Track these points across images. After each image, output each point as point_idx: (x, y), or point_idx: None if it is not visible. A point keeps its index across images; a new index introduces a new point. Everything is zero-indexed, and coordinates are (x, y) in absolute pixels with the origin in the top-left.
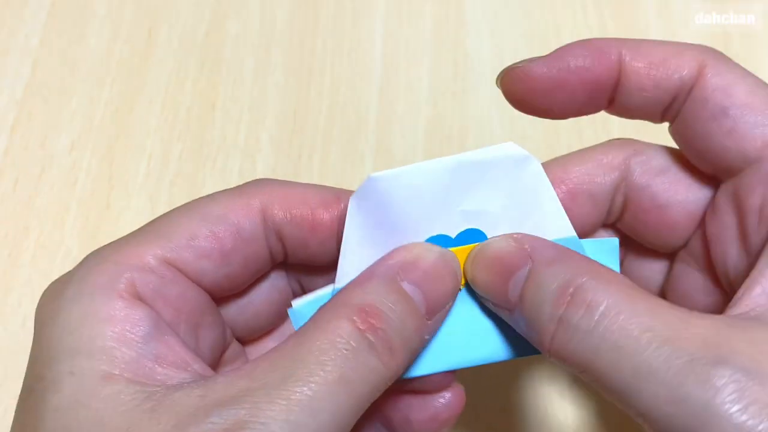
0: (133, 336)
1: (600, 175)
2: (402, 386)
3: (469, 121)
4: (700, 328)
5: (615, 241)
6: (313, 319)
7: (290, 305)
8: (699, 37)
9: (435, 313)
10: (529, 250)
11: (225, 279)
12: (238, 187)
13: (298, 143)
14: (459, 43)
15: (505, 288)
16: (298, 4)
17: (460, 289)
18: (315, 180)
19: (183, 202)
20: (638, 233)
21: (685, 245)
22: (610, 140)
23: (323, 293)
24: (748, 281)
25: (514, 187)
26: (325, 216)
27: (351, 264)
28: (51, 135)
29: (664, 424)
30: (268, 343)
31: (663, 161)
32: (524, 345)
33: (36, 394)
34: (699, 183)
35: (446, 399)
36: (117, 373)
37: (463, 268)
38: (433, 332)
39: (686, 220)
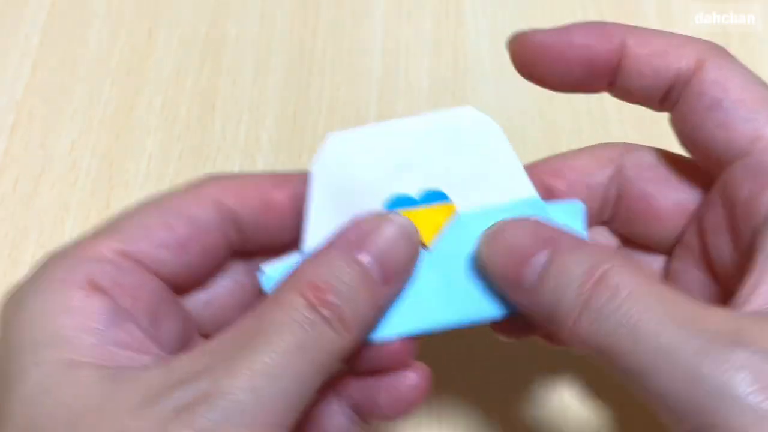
0: (93, 324)
1: (596, 168)
2: (363, 363)
3: None
4: (718, 316)
5: (580, 204)
6: (271, 295)
7: (259, 269)
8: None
9: (393, 283)
10: (548, 236)
11: (183, 269)
12: (189, 182)
13: (298, 143)
14: (459, 43)
15: (520, 272)
16: (298, 4)
17: (419, 255)
18: None
19: None
20: (631, 226)
21: (680, 241)
22: (606, 142)
23: (292, 258)
24: (752, 278)
25: (474, 149)
26: (278, 196)
27: (316, 228)
28: (51, 135)
29: (679, 405)
30: None
31: (654, 158)
32: (491, 308)
33: (1, 388)
34: (690, 179)
35: (412, 380)
36: (80, 359)
37: (427, 232)
38: (392, 301)
39: (675, 210)
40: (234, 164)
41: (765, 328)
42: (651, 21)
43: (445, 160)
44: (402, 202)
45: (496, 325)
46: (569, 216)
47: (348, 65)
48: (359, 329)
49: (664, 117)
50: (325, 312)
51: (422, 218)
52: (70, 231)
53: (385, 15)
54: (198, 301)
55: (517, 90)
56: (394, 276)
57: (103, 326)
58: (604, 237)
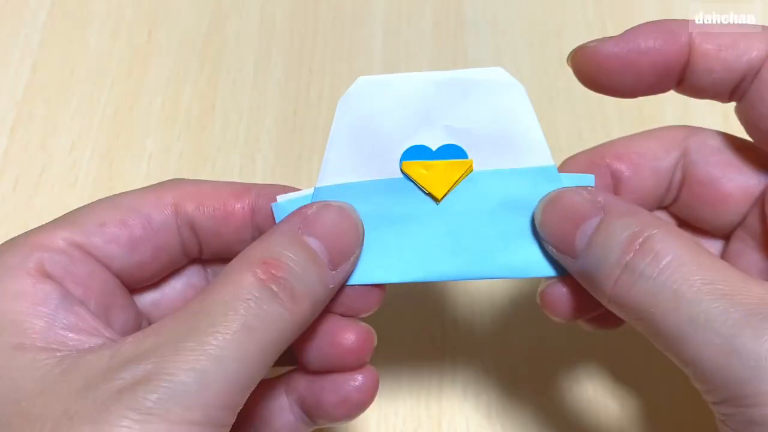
0: (42, 308)
1: (662, 152)
2: (315, 361)
3: None
4: (759, 288)
5: (591, 177)
6: (219, 276)
7: (275, 200)
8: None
9: (339, 264)
10: (603, 202)
11: (135, 267)
12: (153, 184)
13: (298, 143)
14: (459, 43)
15: (573, 235)
16: (297, 4)
17: (361, 243)
18: (315, 180)
19: None
20: (694, 210)
21: (741, 224)
22: (667, 126)
23: (306, 193)
24: None
25: (499, 110)
26: (237, 206)
27: (334, 163)
28: (51, 135)
29: (713, 374)
30: None
31: (719, 142)
32: (493, 267)
33: None
34: (755, 163)
35: (358, 382)
36: (28, 343)
37: (440, 185)
38: (340, 282)
39: (741, 194)
40: (234, 164)
41: None
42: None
43: (468, 117)
44: (419, 153)
45: (548, 301)
46: (581, 185)
47: (348, 65)
48: (309, 307)
49: (663, 117)
50: (275, 287)
51: (437, 170)
52: None
53: (385, 15)
54: (147, 299)
55: None
56: (339, 257)
57: (52, 310)
58: (659, 212)
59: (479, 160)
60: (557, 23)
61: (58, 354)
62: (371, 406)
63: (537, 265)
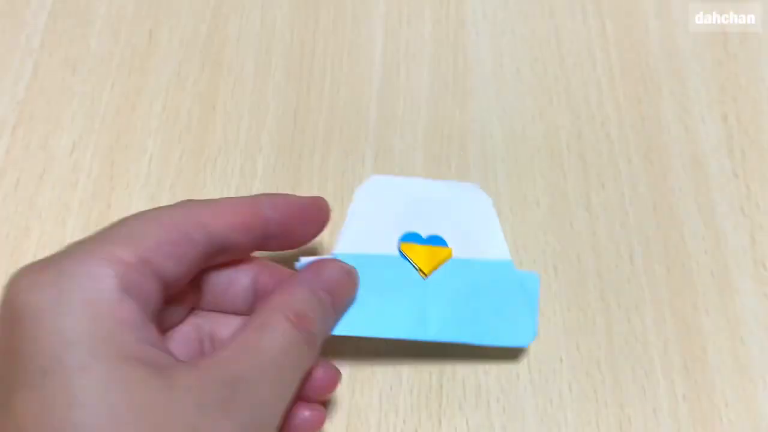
0: (130, 325)
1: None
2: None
3: (469, 121)
4: None
5: (536, 276)
6: (261, 319)
7: (298, 260)
8: (699, 37)
9: (339, 312)
10: None
11: (175, 282)
12: (172, 205)
13: (298, 143)
14: (459, 43)
15: None
16: (298, 4)
17: (358, 290)
18: (315, 180)
19: None
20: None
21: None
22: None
23: (326, 256)
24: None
25: (474, 215)
26: (250, 219)
27: (349, 237)
28: (52, 135)
29: None
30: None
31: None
32: (461, 335)
33: (44, 387)
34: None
35: (305, 416)
36: (128, 357)
37: (428, 264)
38: (336, 323)
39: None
40: (234, 164)
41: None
42: (651, 21)
43: (450, 217)
44: (413, 238)
45: None
46: (529, 281)
47: (348, 65)
48: (321, 346)
49: (662, 117)
50: (305, 336)
51: (426, 252)
52: (71, 231)
53: (386, 15)
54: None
55: (517, 90)
56: (342, 307)
57: (138, 327)
58: None
59: (457, 250)
60: (557, 23)
61: (154, 369)
62: (371, 406)
63: (501, 336)
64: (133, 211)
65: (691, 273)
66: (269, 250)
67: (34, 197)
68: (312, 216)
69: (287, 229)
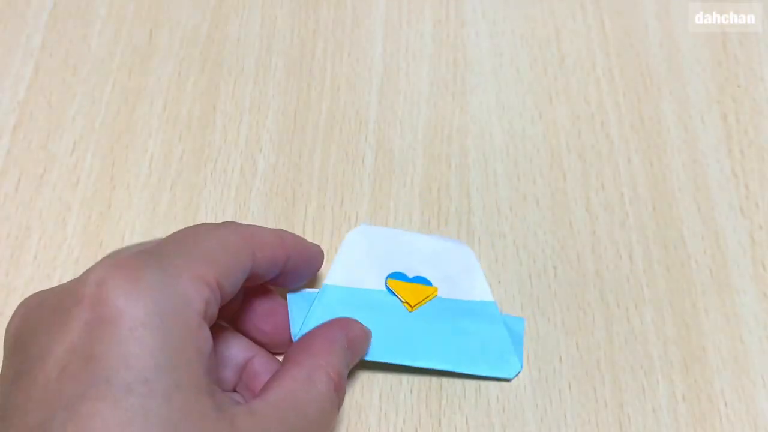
0: (205, 355)
1: None
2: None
3: (469, 121)
4: None
5: (522, 319)
6: (305, 368)
7: (287, 293)
8: (698, 37)
9: (356, 361)
10: None
11: (233, 301)
12: (223, 223)
13: (298, 143)
14: (459, 43)
15: None
16: (298, 4)
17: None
18: (315, 180)
19: (184, 203)
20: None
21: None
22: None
23: (314, 290)
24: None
25: (458, 262)
26: (281, 253)
27: (339, 272)
28: (53, 136)
29: None
30: None
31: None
32: (438, 362)
33: (127, 406)
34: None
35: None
36: (200, 389)
37: (414, 299)
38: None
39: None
40: (235, 164)
41: None
42: (651, 21)
43: (435, 265)
44: (399, 276)
45: None
46: (515, 323)
47: (348, 65)
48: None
49: (662, 117)
50: (338, 390)
51: (412, 288)
52: (71, 232)
53: (386, 15)
54: None
55: (517, 90)
56: (359, 357)
57: (210, 357)
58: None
59: (442, 290)
60: (556, 23)
61: (216, 405)
62: (372, 406)
63: (486, 367)
64: (134, 211)
65: (690, 272)
66: (271, 285)
67: (35, 197)
68: (313, 261)
69: (296, 269)
